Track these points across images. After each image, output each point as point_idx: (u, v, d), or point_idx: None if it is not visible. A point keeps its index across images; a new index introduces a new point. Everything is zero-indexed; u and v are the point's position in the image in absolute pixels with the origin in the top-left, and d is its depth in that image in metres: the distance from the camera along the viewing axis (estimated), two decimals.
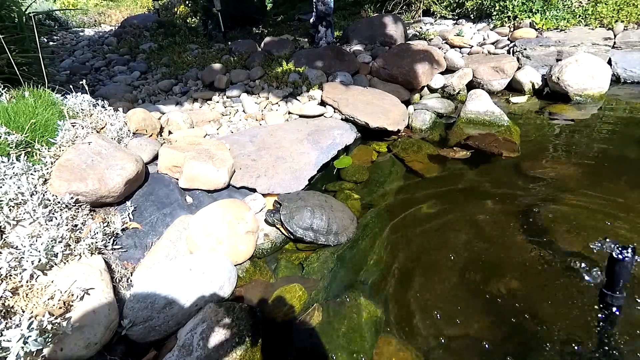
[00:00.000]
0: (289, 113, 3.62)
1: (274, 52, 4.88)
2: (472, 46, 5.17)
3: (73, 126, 2.30)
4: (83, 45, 6.75)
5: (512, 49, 4.94)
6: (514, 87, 4.59)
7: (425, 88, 4.50)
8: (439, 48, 5.00)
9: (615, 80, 4.50)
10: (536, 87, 4.45)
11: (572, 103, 4.06)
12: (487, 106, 3.70)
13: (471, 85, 4.59)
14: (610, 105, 3.97)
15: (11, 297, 1.47)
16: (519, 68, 4.62)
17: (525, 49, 4.73)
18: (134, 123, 2.71)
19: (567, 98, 4.09)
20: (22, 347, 1.28)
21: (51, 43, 6.89)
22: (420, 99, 4.42)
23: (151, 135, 2.79)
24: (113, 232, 1.98)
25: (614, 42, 4.74)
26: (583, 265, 1.95)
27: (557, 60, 4.57)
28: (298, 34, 6.11)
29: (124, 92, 4.12)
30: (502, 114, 3.62)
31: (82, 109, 2.64)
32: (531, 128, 3.65)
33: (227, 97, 3.93)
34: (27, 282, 1.54)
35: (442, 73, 4.50)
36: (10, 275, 1.53)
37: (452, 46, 5.20)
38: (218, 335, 1.64)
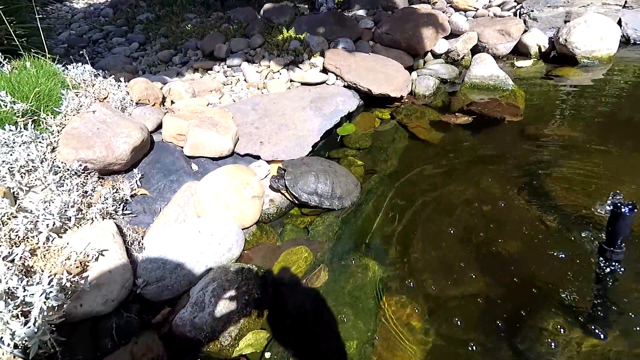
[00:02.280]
0: (291, 81, 3.60)
1: (273, 19, 4.78)
2: (478, 9, 5.02)
3: (77, 95, 2.31)
4: (79, 17, 6.64)
5: (518, 11, 4.80)
6: (520, 50, 4.50)
7: (429, 53, 4.42)
8: (443, 11, 4.86)
9: (625, 41, 4.38)
10: (543, 50, 4.36)
11: (579, 66, 3.99)
12: (492, 70, 3.65)
13: (476, 50, 4.49)
14: (618, 68, 3.90)
15: (30, 257, 1.53)
16: (525, 31, 4.51)
17: (532, 11, 4.61)
18: (136, 92, 2.71)
19: (574, 61, 4.02)
20: (45, 302, 1.35)
21: (46, 16, 6.76)
22: (424, 64, 4.35)
23: (154, 105, 2.79)
24: (122, 198, 2.03)
25: (625, 2, 4.58)
26: (584, 223, 1.98)
27: (565, 21, 4.44)
28: (298, 0, 5.96)
29: (123, 63, 4.09)
30: (507, 78, 3.57)
31: (83, 79, 2.64)
32: (536, 92, 3.61)
33: (228, 67, 3.90)
34: (43, 244, 1.60)
35: (446, 38, 4.41)
36: (28, 238, 1.59)
37: (457, 9, 5.06)
38: (228, 293, 1.71)
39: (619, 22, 4.43)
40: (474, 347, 1.53)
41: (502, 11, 4.90)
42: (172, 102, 3.04)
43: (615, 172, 2.33)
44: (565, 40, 4.00)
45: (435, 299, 1.75)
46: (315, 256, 2.03)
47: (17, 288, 1.36)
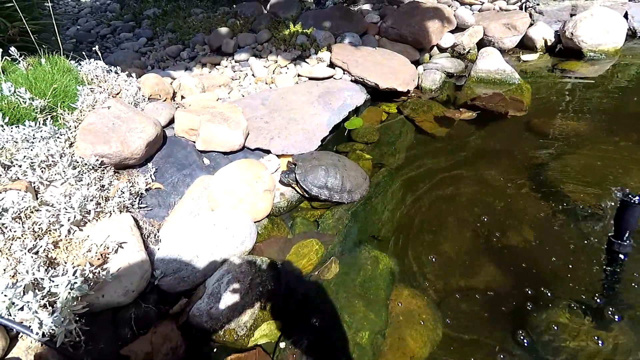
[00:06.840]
0: (299, 75, 3.62)
1: (280, 14, 4.78)
2: (483, 2, 5.00)
3: (92, 91, 2.35)
4: (86, 12, 6.66)
5: (524, 4, 4.78)
6: (525, 44, 4.49)
7: (435, 47, 4.43)
8: (449, 5, 4.86)
9: (631, 34, 4.37)
10: (549, 43, 4.35)
11: (585, 59, 3.99)
12: (498, 64, 3.65)
13: (482, 44, 4.49)
14: (625, 61, 3.89)
15: (53, 249, 1.58)
16: (531, 24, 4.49)
17: (538, 4, 4.60)
18: (147, 88, 2.75)
19: (581, 54, 4.02)
20: (69, 293, 1.40)
21: (54, 11, 6.79)
22: (430, 58, 4.36)
23: (165, 100, 2.83)
24: (138, 191, 2.08)
25: None
26: (591, 216, 2.01)
27: (572, 15, 4.43)
28: None
29: (132, 59, 4.13)
30: (513, 72, 3.58)
31: (96, 75, 2.68)
32: (542, 86, 3.62)
33: (236, 62, 3.92)
34: (65, 236, 1.65)
35: (452, 31, 4.41)
36: (50, 231, 1.64)
37: (462, 3, 5.04)
38: (243, 285, 1.76)
39: (625, 16, 4.40)
40: (483, 338, 1.57)
41: (508, 5, 4.88)
42: (183, 97, 3.08)
43: (622, 165, 2.35)
44: (572, 33, 3.99)
45: (444, 291, 1.79)
46: (326, 249, 2.07)
47: (43, 279, 1.41)
